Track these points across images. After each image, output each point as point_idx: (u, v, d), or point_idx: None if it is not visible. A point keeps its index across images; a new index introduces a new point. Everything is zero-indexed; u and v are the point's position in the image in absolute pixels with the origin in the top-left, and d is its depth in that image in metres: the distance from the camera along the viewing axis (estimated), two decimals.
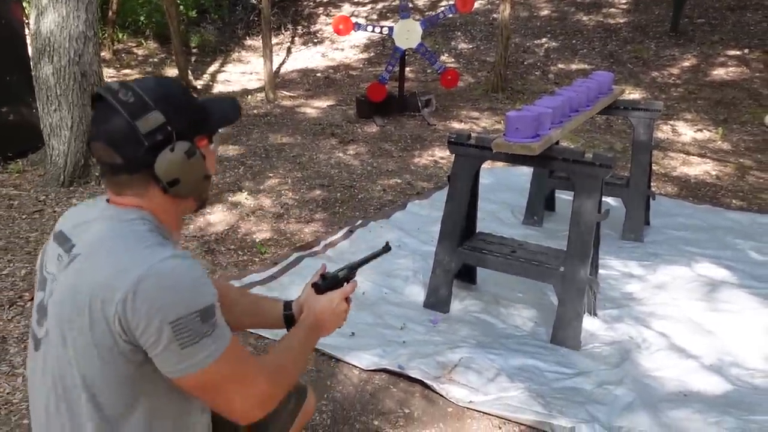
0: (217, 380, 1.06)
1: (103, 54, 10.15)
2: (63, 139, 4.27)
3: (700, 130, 6.32)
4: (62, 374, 1.07)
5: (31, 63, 4.46)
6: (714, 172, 5.25)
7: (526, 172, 5.08)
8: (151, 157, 1.07)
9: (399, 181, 5.00)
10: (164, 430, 1.12)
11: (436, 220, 3.44)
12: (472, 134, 3.02)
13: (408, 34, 6.65)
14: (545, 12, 11.14)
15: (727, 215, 4.34)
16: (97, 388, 1.05)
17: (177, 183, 1.11)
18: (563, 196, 4.45)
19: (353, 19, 6.94)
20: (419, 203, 4.42)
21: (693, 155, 5.68)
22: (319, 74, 9.48)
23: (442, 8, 7.99)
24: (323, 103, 7.76)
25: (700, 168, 5.36)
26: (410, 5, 8.52)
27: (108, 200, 1.15)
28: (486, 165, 3.40)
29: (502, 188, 4.80)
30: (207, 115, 1.18)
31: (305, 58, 10.52)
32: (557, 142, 3.11)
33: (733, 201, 4.66)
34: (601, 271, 3.31)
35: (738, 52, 8.68)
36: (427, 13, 11.61)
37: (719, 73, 8.14)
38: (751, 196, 4.75)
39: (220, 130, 1.22)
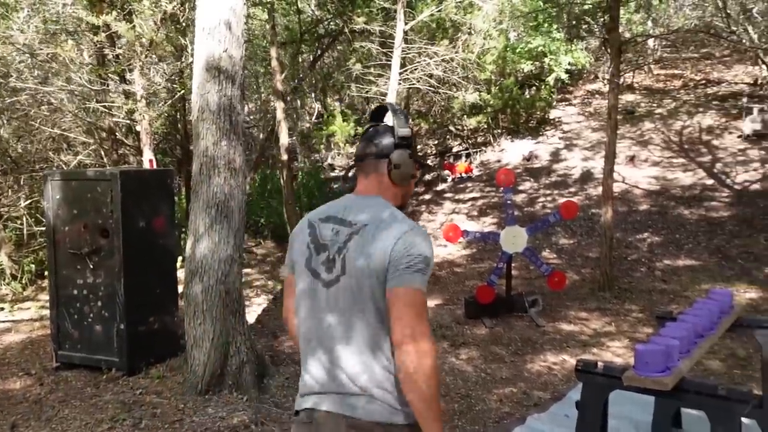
0: (410, 301, 1.69)
1: None
2: (204, 350, 4.68)
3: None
4: (357, 293, 1.78)
5: (182, 281, 5.03)
6: None
7: None
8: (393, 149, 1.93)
9: (514, 390, 5.02)
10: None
11: None
12: (599, 363, 3.11)
13: (514, 239, 6.99)
14: (644, 206, 11.35)
15: None
16: (378, 301, 1.75)
17: (398, 168, 1.92)
18: (691, 411, 4.30)
19: (448, 221, 7.40)
20: (538, 417, 4.40)
21: None
22: None
23: (547, 211, 8.39)
24: (432, 302, 8.05)
25: None
26: (515, 212, 9.01)
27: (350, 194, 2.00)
28: None
29: (625, 400, 4.70)
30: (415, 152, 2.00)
31: None
32: None
33: None
34: None
35: None
36: (525, 209, 12.11)
37: None
38: None
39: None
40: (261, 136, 13.59)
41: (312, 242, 1.90)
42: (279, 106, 8.67)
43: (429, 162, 15.86)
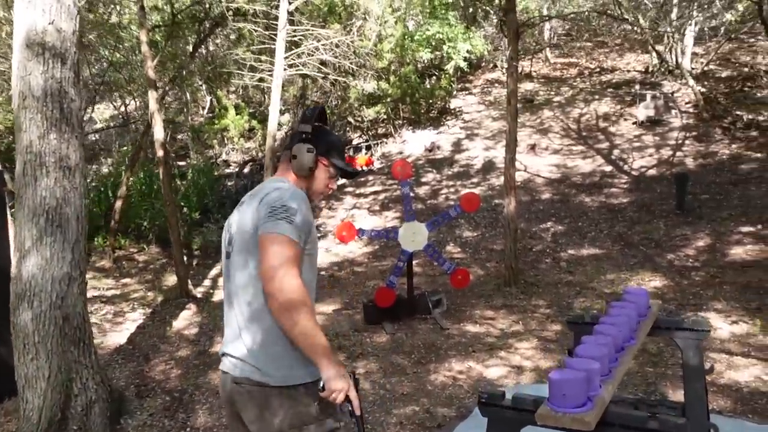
0: (272, 243, 1.90)
1: (103, 263, 10.00)
2: (38, 391, 3.81)
3: (736, 323, 5.85)
4: (241, 261, 2.03)
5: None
6: (766, 377, 4.70)
7: None
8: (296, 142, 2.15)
9: (416, 408, 4.45)
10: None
11: None
12: (506, 392, 2.56)
13: (414, 236, 6.44)
14: (547, 195, 11.18)
15: None
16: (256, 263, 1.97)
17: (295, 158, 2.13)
18: None
19: (348, 216, 6.78)
20: None
21: (736, 355, 5.17)
22: (323, 273, 9.22)
23: (450, 203, 7.92)
24: (328, 308, 7.38)
25: (748, 372, 4.82)
26: (412, 194, 8.48)
27: None
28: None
29: None
30: (335, 155, 2.25)
31: None
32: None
33: None
34: None
35: (752, 229, 8.48)
36: (429, 202, 11.68)
37: (738, 252, 7.85)
38: None
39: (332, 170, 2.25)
40: (141, 129, 12.42)
41: (230, 219, 2.18)
42: (152, 95, 7.72)
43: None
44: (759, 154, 11.15)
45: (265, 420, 1.96)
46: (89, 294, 6.05)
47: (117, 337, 6.69)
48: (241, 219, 2.05)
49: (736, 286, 6.79)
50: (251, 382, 1.97)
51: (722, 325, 5.78)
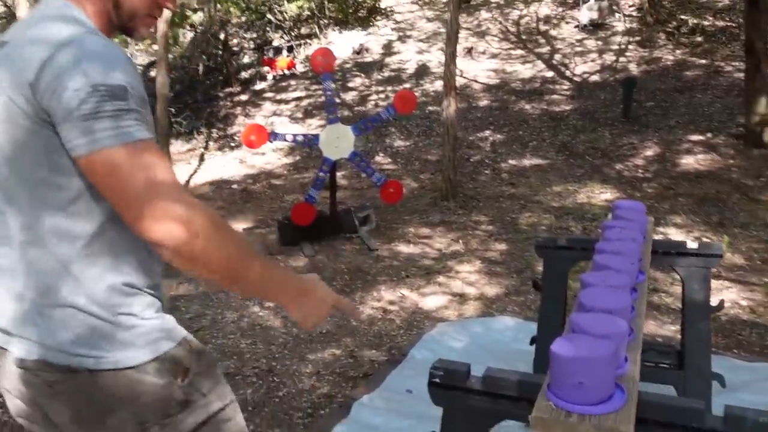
0: (120, 166, 0.98)
1: None
2: None
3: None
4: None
5: None
6: (744, 302, 4.07)
7: (511, 326, 3.75)
8: None
9: (337, 352, 3.56)
10: None
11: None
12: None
13: (338, 141, 5.40)
14: (485, 102, 10.28)
15: None
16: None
17: None
18: None
19: (269, 127, 5.68)
20: (369, 400, 2.96)
21: None
22: (235, 186, 8.11)
23: (379, 110, 6.90)
24: (239, 226, 6.34)
25: (724, 297, 4.16)
26: (337, 101, 7.39)
27: None
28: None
29: (479, 356, 3.39)
30: None
31: (220, 166, 9.18)
32: None
33: None
34: None
35: (701, 137, 7.88)
36: (357, 108, 10.57)
37: (689, 162, 7.24)
38: None
39: None
40: None
41: None
42: None
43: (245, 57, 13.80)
44: (704, 60, 10.55)
45: (95, 421, 1.14)
46: None
47: None
48: None
49: (693, 199, 6.17)
50: (64, 369, 1.10)
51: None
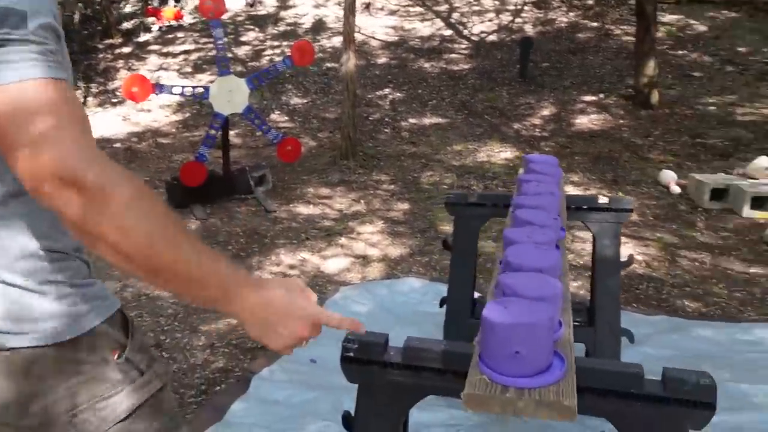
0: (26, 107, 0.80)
1: None
2: None
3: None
4: None
5: None
6: (640, 257, 4.16)
7: (417, 287, 3.62)
8: None
9: (233, 321, 3.30)
10: None
11: (306, 412, 1.83)
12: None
13: (230, 95, 5.01)
14: (383, 60, 10.05)
15: (695, 332, 3.17)
16: None
17: None
18: None
19: (154, 79, 5.18)
20: (269, 374, 2.74)
21: None
22: (118, 144, 7.48)
23: (275, 62, 6.51)
24: None
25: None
26: (229, 56, 6.90)
27: None
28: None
29: (386, 321, 3.25)
30: None
31: (101, 123, 8.43)
32: None
33: (686, 303, 3.54)
34: None
35: (594, 98, 8.08)
36: (250, 64, 10.04)
37: (583, 121, 7.40)
38: (701, 292, 3.67)
39: None
40: None
41: None
42: None
43: (128, 7, 12.78)
44: (595, 23, 10.81)
45: (17, 409, 0.96)
46: None
47: None
48: None
49: (589, 157, 6.30)
50: None
51: None
